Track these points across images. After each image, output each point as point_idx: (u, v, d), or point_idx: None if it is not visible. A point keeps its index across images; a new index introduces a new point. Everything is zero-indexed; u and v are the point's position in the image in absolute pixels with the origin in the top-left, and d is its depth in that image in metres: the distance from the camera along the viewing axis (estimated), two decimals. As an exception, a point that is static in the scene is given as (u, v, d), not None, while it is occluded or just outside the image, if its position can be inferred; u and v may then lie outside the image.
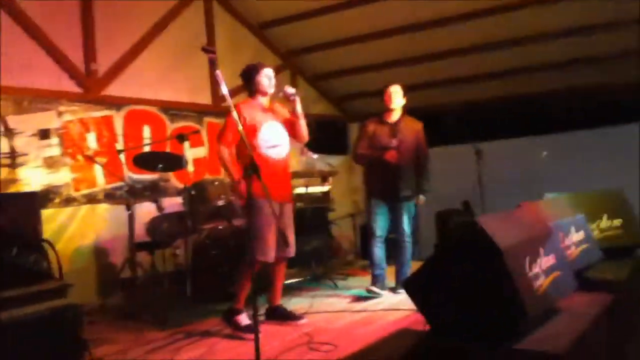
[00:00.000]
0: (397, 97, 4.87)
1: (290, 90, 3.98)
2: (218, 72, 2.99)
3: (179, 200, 5.12)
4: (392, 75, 7.14)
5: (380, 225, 4.90)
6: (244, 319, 3.84)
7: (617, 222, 4.15)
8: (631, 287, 3.57)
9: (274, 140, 3.95)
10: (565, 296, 2.81)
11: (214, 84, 6.27)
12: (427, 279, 2.63)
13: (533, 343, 2.27)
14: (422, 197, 4.96)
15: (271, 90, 4.00)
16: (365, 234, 5.35)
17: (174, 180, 5.80)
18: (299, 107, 4.00)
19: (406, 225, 4.89)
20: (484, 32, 6.20)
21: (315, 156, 5.28)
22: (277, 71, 7.09)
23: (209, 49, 3.03)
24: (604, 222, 4.13)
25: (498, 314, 2.35)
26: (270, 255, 3.81)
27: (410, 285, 2.72)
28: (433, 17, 6.16)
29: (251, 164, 2.85)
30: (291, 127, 4.09)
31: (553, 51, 6.26)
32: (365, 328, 3.84)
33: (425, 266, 2.67)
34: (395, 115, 4.92)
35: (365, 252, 6.56)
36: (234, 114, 3.15)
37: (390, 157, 4.77)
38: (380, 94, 4.95)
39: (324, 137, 7.04)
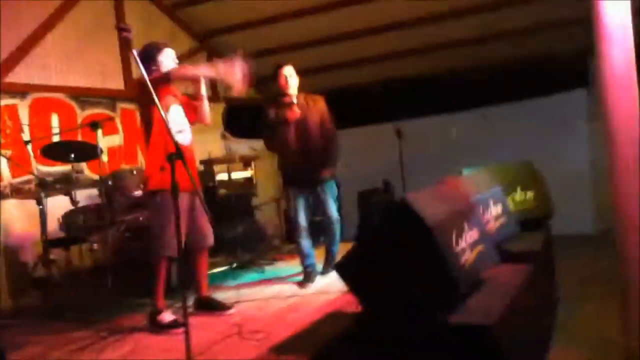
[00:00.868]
0: (292, 80, 4.61)
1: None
2: (134, 51, 2.81)
3: (94, 192, 4.87)
4: (311, 55, 7.14)
5: (302, 215, 4.69)
6: (167, 316, 3.71)
7: (530, 194, 4.32)
8: (545, 256, 3.77)
9: (180, 125, 3.75)
10: (488, 268, 2.90)
11: (127, 68, 5.99)
12: (358, 259, 2.63)
13: (464, 315, 2.33)
14: (326, 171, 4.68)
15: None
16: (291, 218, 5.23)
17: (87, 171, 5.51)
18: (203, 89, 3.80)
19: (331, 208, 4.72)
20: (401, 9, 6.27)
21: (236, 139, 5.17)
22: (193, 53, 6.95)
23: (124, 26, 2.83)
24: (518, 195, 4.28)
25: (429, 289, 2.39)
26: (174, 249, 3.67)
27: (342, 268, 2.72)
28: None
29: (177, 149, 2.71)
30: (193, 110, 3.88)
31: (468, 28, 6.43)
32: (296, 313, 3.82)
33: (356, 247, 2.68)
34: (294, 96, 4.63)
35: (290, 236, 6.55)
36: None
37: (292, 115, 4.53)
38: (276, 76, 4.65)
39: (245, 120, 6.93)
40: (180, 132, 3.70)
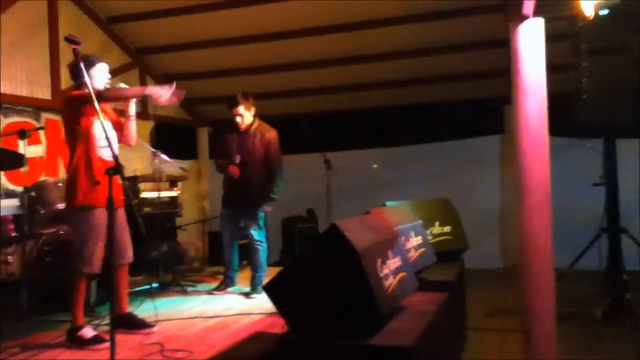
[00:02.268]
0: (245, 119, 4.99)
1: (124, 87, 3.82)
2: (82, 64, 2.80)
3: (11, 202, 4.69)
4: (244, 82, 7.25)
5: (229, 231, 5.10)
6: (88, 332, 3.62)
7: (446, 228, 4.61)
8: (458, 286, 4.02)
9: (106, 140, 3.62)
10: (408, 295, 3.08)
11: (55, 78, 5.85)
12: (286, 281, 2.73)
13: (384, 338, 2.48)
14: (267, 207, 5.12)
15: (104, 86, 3.77)
16: (214, 240, 5.45)
17: (4, 180, 5.28)
18: (132, 108, 3.82)
19: (255, 230, 5.02)
20: (339, 46, 6.55)
21: (167, 159, 5.21)
22: (125, 68, 6.88)
23: (73, 39, 2.82)
24: (437, 228, 4.56)
25: (354, 312, 2.52)
26: (96, 265, 3.65)
27: (270, 289, 2.80)
28: (288, 27, 6.36)
29: (115, 165, 2.73)
30: (120, 128, 3.88)
31: (399, 69, 6.80)
32: (219, 333, 3.83)
33: (285, 269, 2.78)
34: (245, 126, 5.02)
35: (213, 258, 6.56)
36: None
37: (232, 171, 4.93)
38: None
39: (174, 140, 6.91)
40: (105, 147, 3.62)
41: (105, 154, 3.63)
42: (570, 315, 4.38)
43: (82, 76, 3.49)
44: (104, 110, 3.71)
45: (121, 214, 3.89)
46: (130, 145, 4.00)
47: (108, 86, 3.79)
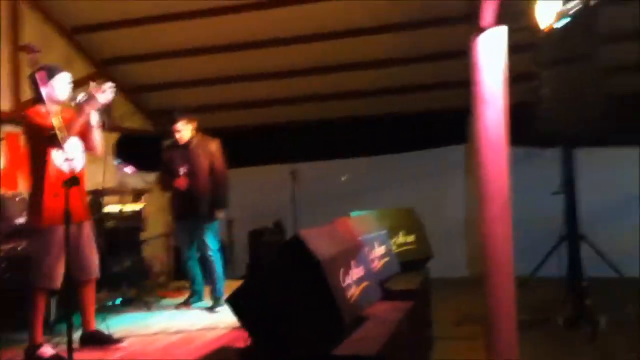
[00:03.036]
0: (184, 132, 5.02)
1: (81, 96, 3.68)
2: (40, 74, 2.72)
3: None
4: (210, 92, 7.23)
5: (186, 245, 5.15)
6: (47, 350, 3.53)
7: (411, 237, 4.65)
8: (422, 295, 4.05)
9: (69, 153, 3.57)
10: (371, 304, 3.09)
11: (17, 88, 5.72)
12: (249, 293, 2.71)
13: (348, 347, 2.48)
14: (219, 213, 5.10)
15: (65, 97, 3.71)
16: (179, 254, 5.42)
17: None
18: (93, 119, 3.72)
19: (209, 240, 5.01)
20: (304, 56, 6.55)
21: (130, 171, 5.16)
22: (90, 79, 6.74)
23: (31, 47, 2.74)
24: (401, 238, 4.59)
25: (317, 322, 2.51)
26: (58, 282, 3.58)
27: (233, 301, 2.77)
28: (256, 37, 6.35)
29: (72, 177, 2.67)
30: (84, 137, 3.80)
31: (365, 79, 6.84)
32: (184, 348, 3.78)
33: (248, 281, 2.77)
34: (186, 140, 5.04)
35: (179, 273, 6.48)
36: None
37: (179, 184, 4.94)
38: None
39: (138, 152, 6.80)
40: (69, 160, 3.53)
41: (65, 167, 3.54)
42: (532, 322, 4.45)
43: (43, 85, 3.46)
44: (67, 122, 3.63)
45: (87, 228, 3.82)
46: (96, 154, 3.94)
47: (67, 97, 3.71)
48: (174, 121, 5.00)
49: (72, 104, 3.71)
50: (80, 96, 3.69)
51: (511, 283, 3.12)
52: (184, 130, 5.01)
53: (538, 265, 4.93)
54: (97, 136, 3.82)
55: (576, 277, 4.75)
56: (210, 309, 4.90)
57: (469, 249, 7.04)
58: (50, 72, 3.61)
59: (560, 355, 4.02)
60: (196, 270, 5.16)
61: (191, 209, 4.97)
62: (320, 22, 6.05)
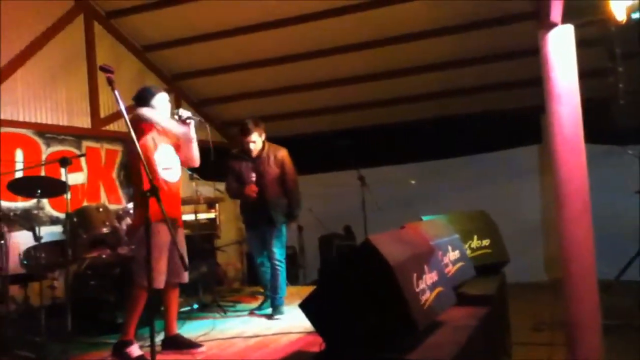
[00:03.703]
0: (258, 143, 4.98)
1: (185, 113, 3.94)
2: (117, 92, 2.88)
3: (55, 228, 4.84)
4: (277, 102, 7.36)
5: (258, 252, 5.17)
6: (135, 350, 3.69)
7: (485, 241, 4.52)
8: (499, 300, 3.93)
9: (168, 163, 3.90)
10: (446, 310, 3.03)
11: (94, 106, 6.05)
12: (322, 298, 2.72)
13: (422, 353, 2.44)
14: (291, 224, 5.17)
15: (167, 114, 3.94)
16: (252, 261, 5.49)
17: (48, 207, 5.46)
18: (192, 132, 3.95)
19: (276, 249, 5.00)
20: (370, 62, 6.59)
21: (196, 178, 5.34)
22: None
23: (107, 67, 2.91)
24: (475, 242, 4.47)
25: (391, 327, 2.49)
26: (161, 281, 3.73)
27: (306, 306, 2.80)
28: (321, 47, 6.43)
29: (152, 185, 2.80)
30: (182, 150, 4.03)
31: (433, 82, 6.79)
32: (259, 352, 3.84)
33: (321, 286, 2.77)
34: (256, 150, 5.01)
35: (252, 279, 6.60)
36: (132, 132, 3.02)
37: (249, 192, 4.93)
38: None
39: (210, 163, 6.99)
40: (167, 169, 3.86)
41: (166, 176, 3.84)
42: (616, 328, 4.23)
43: (144, 106, 3.80)
44: (164, 134, 3.89)
45: (181, 234, 4.01)
46: (194, 166, 4.17)
47: (168, 115, 3.94)
48: (248, 132, 4.96)
49: (175, 117, 3.94)
50: (185, 112, 3.93)
51: (594, 287, 3.00)
52: (258, 141, 5.00)
53: (623, 269, 4.70)
54: (195, 149, 4.02)
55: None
56: (270, 316, 4.94)
57: (547, 252, 6.79)
58: (150, 94, 3.89)
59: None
60: (268, 277, 5.17)
61: (261, 217, 4.99)
62: (382, 28, 6.05)
